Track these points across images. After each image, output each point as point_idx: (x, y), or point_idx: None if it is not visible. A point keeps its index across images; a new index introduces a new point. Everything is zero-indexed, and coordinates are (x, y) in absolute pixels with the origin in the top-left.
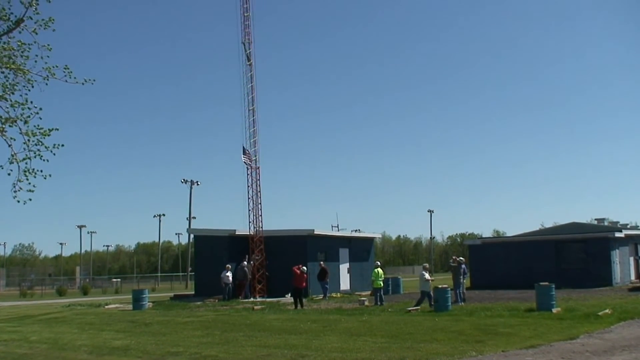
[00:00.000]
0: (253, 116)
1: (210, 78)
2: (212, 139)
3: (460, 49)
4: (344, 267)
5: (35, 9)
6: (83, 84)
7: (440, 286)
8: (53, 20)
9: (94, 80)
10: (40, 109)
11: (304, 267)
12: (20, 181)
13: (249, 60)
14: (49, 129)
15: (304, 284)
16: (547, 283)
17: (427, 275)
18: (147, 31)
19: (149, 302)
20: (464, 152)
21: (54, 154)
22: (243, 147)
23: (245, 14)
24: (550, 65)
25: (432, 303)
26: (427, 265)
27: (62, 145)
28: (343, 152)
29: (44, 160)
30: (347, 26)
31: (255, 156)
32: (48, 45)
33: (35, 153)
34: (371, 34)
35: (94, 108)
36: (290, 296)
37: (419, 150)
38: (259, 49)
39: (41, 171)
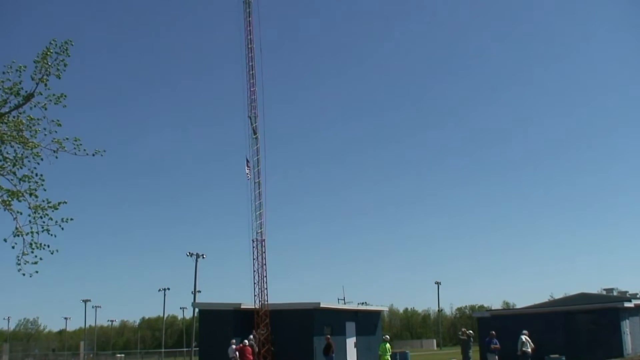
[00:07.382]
0: (259, 188)
1: (217, 150)
2: (218, 211)
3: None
4: (350, 341)
5: (46, 84)
6: (94, 155)
7: None
8: (65, 96)
9: (104, 151)
10: (44, 180)
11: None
12: (25, 254)
13: (255, 133)
14: (57, 203)
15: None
16: (557, 355)
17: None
18: (155, 104)
19: None
20: (471, 224)
21: (62, 228)
22: (246, 158)
23: (252, 89)
24: (559, 151)
25: None
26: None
27: (72, 219)
28: (349, 224)
29: (51, 235)
30: (354, 113)
31: (261, 228)
32: (58, 120)
33: (43, 227)
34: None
35: (99, 179)
36: None
37: (425, 222)
38: (263, 119)
39: (48, 246)
